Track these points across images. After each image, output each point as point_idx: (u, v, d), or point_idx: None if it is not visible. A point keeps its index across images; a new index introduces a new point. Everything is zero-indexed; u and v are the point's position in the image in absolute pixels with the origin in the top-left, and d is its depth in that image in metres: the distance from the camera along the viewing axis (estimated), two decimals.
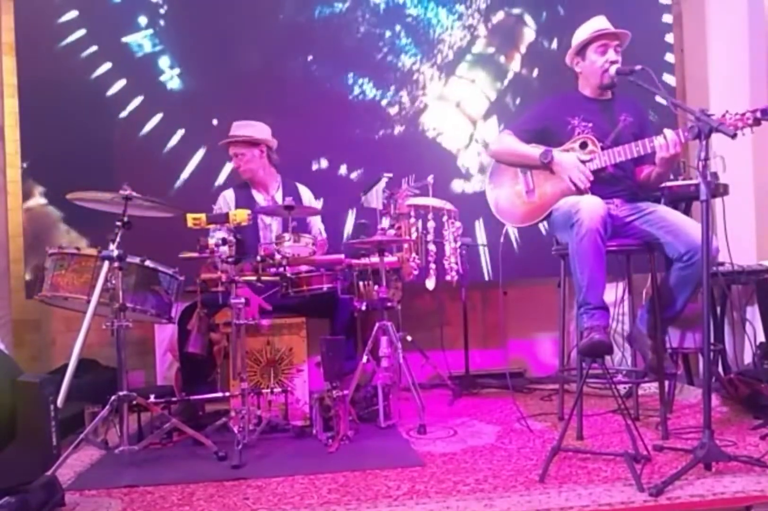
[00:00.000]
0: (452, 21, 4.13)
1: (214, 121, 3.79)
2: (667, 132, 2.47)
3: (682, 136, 2.45)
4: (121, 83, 3.77)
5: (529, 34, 4.23)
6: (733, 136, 2.06)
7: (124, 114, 3.77)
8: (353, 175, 3.94)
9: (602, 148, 2.65)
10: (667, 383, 2.79)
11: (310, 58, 3.95)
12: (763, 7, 3.68)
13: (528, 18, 4.22)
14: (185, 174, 3.80)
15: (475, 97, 4.17)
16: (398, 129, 4.06)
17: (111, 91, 3.76)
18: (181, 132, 3.81)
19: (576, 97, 2.82)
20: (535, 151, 2.71)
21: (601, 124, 2.73)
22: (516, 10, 4.22)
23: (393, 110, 4.05)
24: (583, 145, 2.68)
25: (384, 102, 4.04)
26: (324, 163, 3.93)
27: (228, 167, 3.73)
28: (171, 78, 3.85)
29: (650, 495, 1.87)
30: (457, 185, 4.03)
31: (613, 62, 2.66)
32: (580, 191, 2.61)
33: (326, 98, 3.94)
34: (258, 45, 3.90)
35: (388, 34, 4.05)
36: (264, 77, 3.89)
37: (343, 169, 3.93)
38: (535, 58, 4.20)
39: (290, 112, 3.79)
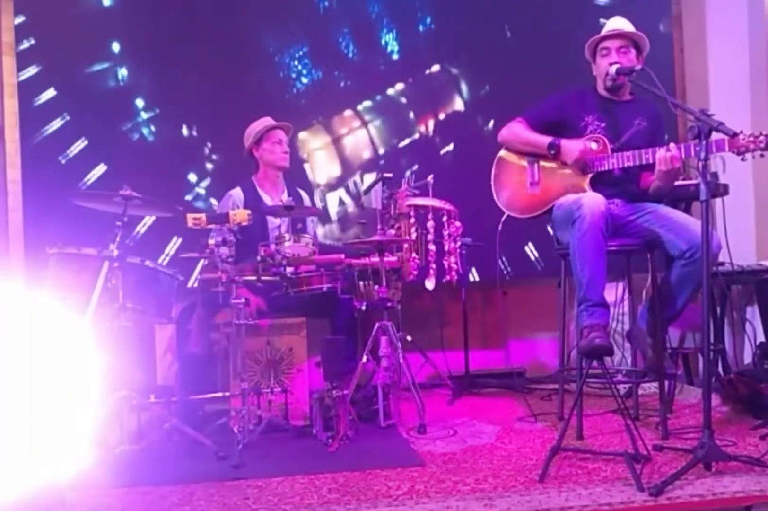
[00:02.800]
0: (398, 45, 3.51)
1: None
2: (672, 147, 2.45)
3: (683, 152, 2.43)
4: (19, 19, 3.54)
5: (457, 103, 3.55)
6: (733, 135, 2.06)
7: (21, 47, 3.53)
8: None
9: (612, 150, 2.64)
10: (667, 383, 2.79)
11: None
12: (763, 7, 3.68)
13: (463, 84, 3.52)
14: (49, 129, 3.52)
15: (359, 144, 3.52)
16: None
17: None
18: (51, 91, 3.53)
19: (593, 96, 2.81)
20: (544, 140, 2.72)
21: (615, 125, 2.71)
22: (454, 70, 3.51)
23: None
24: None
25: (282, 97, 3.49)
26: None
27: (82, 143, 3.53)
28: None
29: (650, 495, 1.87)
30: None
31: (613, 63, 2.65)
32: (584, 168, 2.61)
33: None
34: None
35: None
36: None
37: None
38: (456, 133, 3.52)
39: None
